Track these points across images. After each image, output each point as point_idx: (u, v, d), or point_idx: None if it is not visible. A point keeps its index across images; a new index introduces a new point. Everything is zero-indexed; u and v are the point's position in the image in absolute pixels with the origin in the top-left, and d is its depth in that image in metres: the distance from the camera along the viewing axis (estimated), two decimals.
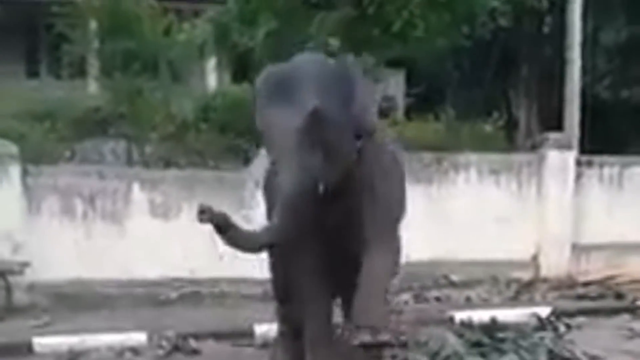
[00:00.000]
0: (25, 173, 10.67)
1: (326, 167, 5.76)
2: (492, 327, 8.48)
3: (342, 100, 5.86)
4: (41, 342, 8.57)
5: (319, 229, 6.03)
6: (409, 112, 16.04)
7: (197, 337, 8.63)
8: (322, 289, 6.43)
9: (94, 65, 15.76)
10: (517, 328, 8.56)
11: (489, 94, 16.66)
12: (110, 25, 15.00)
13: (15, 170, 10.57)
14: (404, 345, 7.62)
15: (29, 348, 8.50)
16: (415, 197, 11.51)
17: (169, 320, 9.37)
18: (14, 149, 10.64)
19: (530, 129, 16.52)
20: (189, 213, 10.86)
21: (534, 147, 12.81)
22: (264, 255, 6.83)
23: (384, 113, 16.62)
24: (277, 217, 5.80)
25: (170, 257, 10.52)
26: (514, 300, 10.84)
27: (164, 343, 8.53)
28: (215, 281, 10.55)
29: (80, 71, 16.01)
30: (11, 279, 10.10)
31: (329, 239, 6.22)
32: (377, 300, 6.18)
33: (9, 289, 10.09)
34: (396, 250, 6.68)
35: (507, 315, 9.30)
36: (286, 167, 5.79)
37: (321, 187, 5.74)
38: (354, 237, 6.22)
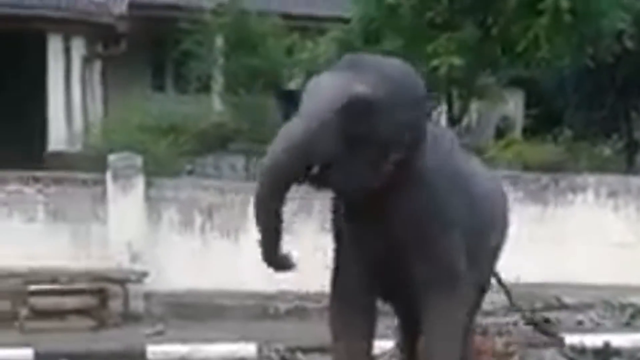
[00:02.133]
0: (148, 185, 10.99)
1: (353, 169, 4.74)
2: (604, 352, 8.35)
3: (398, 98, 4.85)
4: (154, 350, 8.81)
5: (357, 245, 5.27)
6: (526, 132, 15.92)
7: (304, 350, 8.74)
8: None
9: (218, 82, 16.06)
10: (631, 354, 8.41)
11: (609, 115, 16.38)
12: (236, 42, 15.32)
13: (139, 182, 10.92)
14: None
15: (142, 355, 8.74)
16: (531, 217, 11.54)
17: (277, 333, 9.52)
18: (138, 160, 10.99)
19: None
20: (301, 227, 11.05)
21: None
22: None
23: (500, 132, 16.59)
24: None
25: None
26: (627, 326, 10.63)
27: (273, 355, 8.66)
28: (322, 295, 10.63)
29: (205, 87, 16.34)
30: (129, 287, 10.39)
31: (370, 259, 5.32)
32: None
33: (126, 297, 10.37)
34: (458, 326, 5.41)
35: (620, 340, 9.12)
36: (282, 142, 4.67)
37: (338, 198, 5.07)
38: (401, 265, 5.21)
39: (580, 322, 10.63)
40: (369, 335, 5.61)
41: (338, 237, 5.49)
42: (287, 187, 4.81)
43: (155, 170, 11.32)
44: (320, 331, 9.00)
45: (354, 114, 4.66)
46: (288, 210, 11.16)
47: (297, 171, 4.71)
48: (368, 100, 4.71)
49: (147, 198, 10.96)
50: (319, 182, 4.89)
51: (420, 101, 5.00)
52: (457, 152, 5.59)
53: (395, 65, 5.05)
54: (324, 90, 4.81)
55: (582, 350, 8.67)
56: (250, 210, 11.20)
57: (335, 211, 5.47)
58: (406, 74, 5.03)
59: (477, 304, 5.96)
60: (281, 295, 10.75)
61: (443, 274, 5.12)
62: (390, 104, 4.77)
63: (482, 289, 5.99)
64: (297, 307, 10.78)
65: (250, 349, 8.83)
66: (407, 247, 5.07)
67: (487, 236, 5.63)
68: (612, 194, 11.92)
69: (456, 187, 5.23)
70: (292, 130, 4.69)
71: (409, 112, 4.85)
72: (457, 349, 5.36)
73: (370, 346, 5.64)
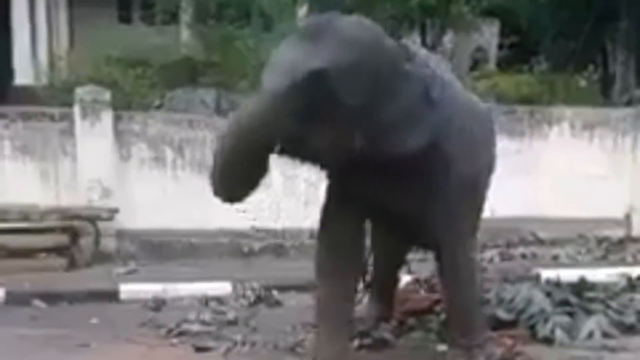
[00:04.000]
0: (117, 119, 10.76)
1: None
2: (580, 286, 8.30)
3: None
4: (127, 289, 8.71)
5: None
6: (501, 64, 15.76)
7: (280, 288, 8.66)
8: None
9: (187, 12, 15.77)
10: (606, 288, 8.37)
11: (585, 47, 16.25)
12: None
13: (107, 117, 10.68)
14: (487, 302, 7.48)
15: (114, 295, 8.63)
16: (506, 151, 11.42)
17: (252, 271, 9.45)
18: (106, 95, 10.73)
19: (626, 84, 16.09)
20: (275, 163, 10.89)
21: (629, 103, 12.47)
22: None
23: (475, 64, 16.45)
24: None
25: (254, 208, 10.52)
26: (603, 260, 10.61)
27: (248, 293, 8.57)
28: (298, 233, 10.53)
29: (173, 18, 16.06)
30: (100, 224, 10.23)
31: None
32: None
33: (97, 235, 10.23)
34: (472, 264, 6.31)
35: (596, 274, 9.08)
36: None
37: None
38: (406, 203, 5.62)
39: (556, 257, 10.61)
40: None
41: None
42: (251, 162, 5.02)
43: (124, 104, 11.09)
44: (296, 268, 8.97)
45: (313, 89, 4.71)
46: None
47: (261, 146, 4.90)
48: (325, 74, 4.72)
49: (116, 132, 10.73)
50: (290, 155, 5.13)
51: (387, 62, 5.01)
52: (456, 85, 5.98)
53: (355, 29, 5.03)
54: (284, 68, 4.85)
55: (557, 284, 8.60)
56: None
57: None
58: (369, 37, 5.03)
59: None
60: (255, 233, 10.64)
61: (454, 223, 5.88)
62: (352, 73, 4.80)
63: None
64: (272, 245, 10.72)
65: (225, 287, 8.73)
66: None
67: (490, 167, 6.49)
68: (588, 126, 11.83)
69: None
70: (256, 107, 4.86)
71: (377, 77, 4.92)
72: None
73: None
